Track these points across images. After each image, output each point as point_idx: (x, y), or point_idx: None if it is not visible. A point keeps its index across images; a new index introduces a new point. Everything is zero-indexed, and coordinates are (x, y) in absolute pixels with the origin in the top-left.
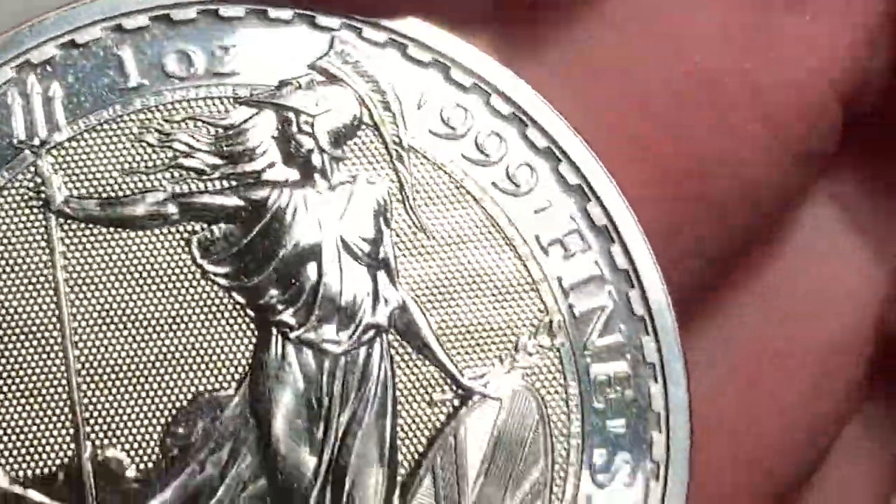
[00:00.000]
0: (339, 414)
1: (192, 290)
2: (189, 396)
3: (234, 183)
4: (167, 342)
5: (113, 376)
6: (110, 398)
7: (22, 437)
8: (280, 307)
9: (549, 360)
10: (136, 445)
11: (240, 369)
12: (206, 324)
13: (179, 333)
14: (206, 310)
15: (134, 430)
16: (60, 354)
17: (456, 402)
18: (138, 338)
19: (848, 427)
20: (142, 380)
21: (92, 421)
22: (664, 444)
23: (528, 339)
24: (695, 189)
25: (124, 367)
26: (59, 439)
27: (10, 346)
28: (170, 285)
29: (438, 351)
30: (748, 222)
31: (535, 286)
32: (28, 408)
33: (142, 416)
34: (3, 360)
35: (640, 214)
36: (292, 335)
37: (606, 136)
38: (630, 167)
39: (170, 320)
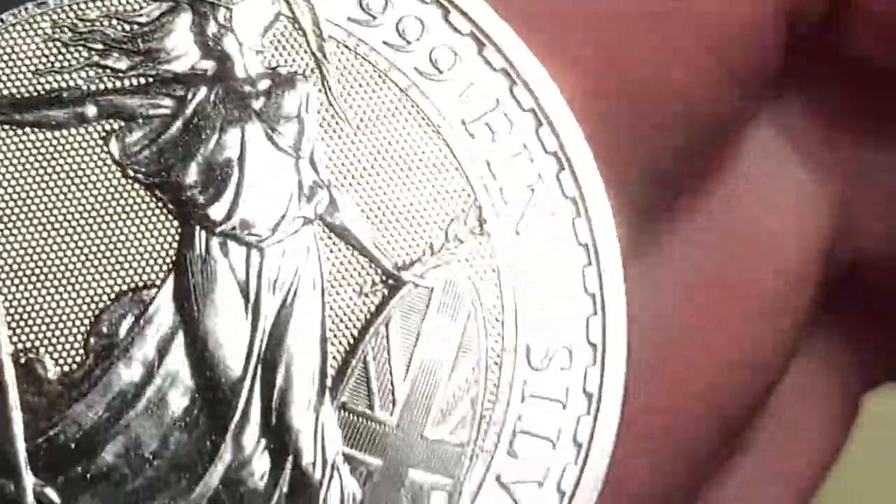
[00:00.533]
0: (266, 308)
1: (112, 188)
2: (113, 295)
3: (151, 79)
4: (88, 241)
5: (34, 277)
6: (31, 300)
7: None
8: (203, 201)
9: (480, 245)
10: (59, 346)
11: (164, 266)
12: (128, 221)
13: (101, 232)
14: (127, 207)
15: (56, 332)
16: None
17: (386, 292)
18: (58, 238)
19: (801, 366)
20: (63, 280)
21: (13, 324)
22: (601, 326)
23: (458, 226)
24: (635, 111)
25: (45, 268)
26: None
27: None
28: (89, 184)
29: (367, 240)
30: (690, 144)
31: (462, 171)
32: None
33: (64, 316)
34: None
35: None
36: (216, 230)
37: (544, 56)
38: (568, 89)
39: (90, 219)
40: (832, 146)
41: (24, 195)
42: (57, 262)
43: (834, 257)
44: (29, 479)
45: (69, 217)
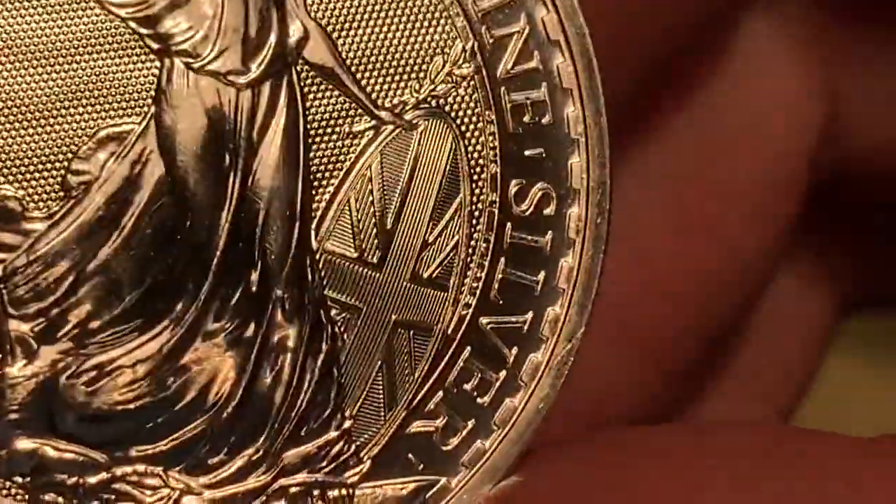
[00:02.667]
0: (247, 147)
1: (89, 21)
2: (91, 132)
3: None
4: (65, 77)
5: (9, 113)
6: (6, 136)
7: None
8: (182, 38)
9: (465, 87)
10: (34, 184)
11: (143, 104)
12: (106, 56)
13: (77, 67)
14: (104, 42)
15: (33, 168)
16: None
17: (370, 134)
18: (34, 73)
19: (779, 288)
20: (39, 116)
21: None
22: (584, 168)
23: (443, 67)
24: None
25: (21, 105)
26: None
27: None
28: (65, 17)
29: (349, 80)
30: (683, 30)
31: (447, 10)
32: None
33: (41, 153)
34: None
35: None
36: (195, 65)
37: None
38: None
39: (67, 53)
40: (824, 40)
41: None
42: (34, 97)
43: (820, 162)
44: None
45: (45, 51)
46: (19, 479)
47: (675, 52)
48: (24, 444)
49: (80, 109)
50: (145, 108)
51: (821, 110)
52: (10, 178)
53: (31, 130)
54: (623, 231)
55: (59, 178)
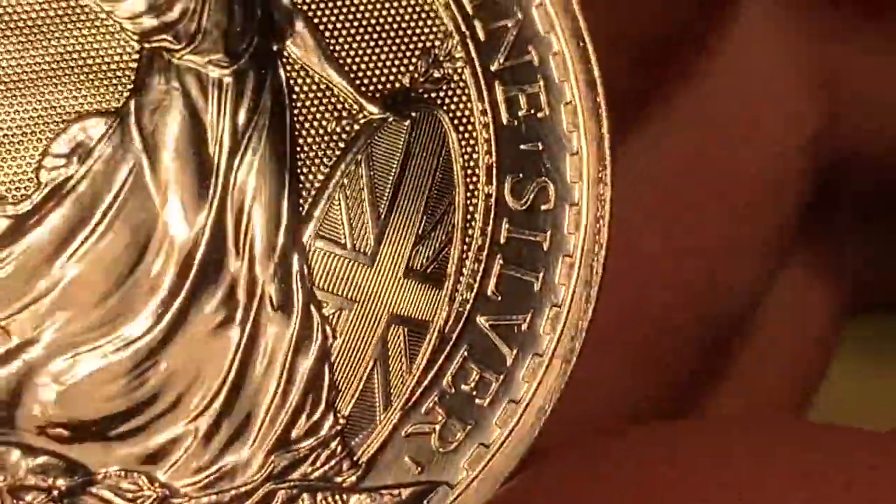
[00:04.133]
0: (230, 138)
1: (70, 4)
2: (68, 113)
3: None
4: (45, 56)
5: None
6: None
7: None
8: (164, 27)
9: (457, 79)
10: (7, 166)
11: (122, 88)
12: (87, 34)
13: (57, 42)
14: (85, 19)
15: (9, 145)
16: None
17: (359, 125)
18: (14, 43)
19: (789, 275)
20: (18, 94)
21: None
22: (583, 166)
23: (434, 59)
24: None
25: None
26: None
27: None
28: None
29: (337, 72)
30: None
31: (437, 1)
32: None
33: (15, 139)
34: None
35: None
36: (177, 55)
37: None
38: None
39: (47, 27)
40: (823, 18)
41: None
42: (13, 69)
43: (822, 149)
44: None
45: (29, 23)
46: None
47: (668, 42)
48: None
49: (58, 86)
50: (125, 94)
51: (821, 93)
52: None
53: (11, 101)
54: (617, 231)
55: (32, 170)
